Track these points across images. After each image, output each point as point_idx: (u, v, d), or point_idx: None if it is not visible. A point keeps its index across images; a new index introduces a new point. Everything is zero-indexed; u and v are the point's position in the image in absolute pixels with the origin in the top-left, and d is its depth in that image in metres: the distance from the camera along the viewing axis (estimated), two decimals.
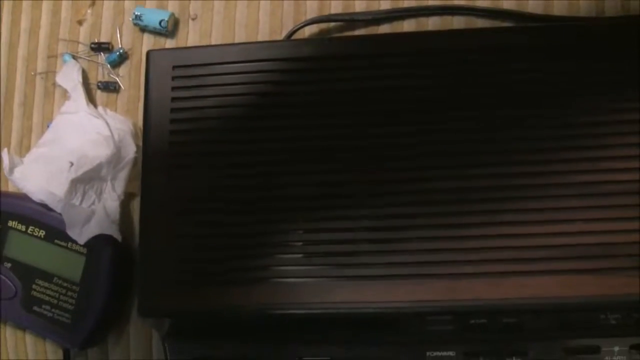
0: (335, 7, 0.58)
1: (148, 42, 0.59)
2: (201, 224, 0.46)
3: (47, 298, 0.54)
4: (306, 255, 0.44)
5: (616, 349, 0.44)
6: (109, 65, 0.59)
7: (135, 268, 0.55)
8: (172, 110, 0.48)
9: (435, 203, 0.44)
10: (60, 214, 0.53)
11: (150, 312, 0.45)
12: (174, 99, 0.48)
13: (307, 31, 0.58)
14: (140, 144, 0.51)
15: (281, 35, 0.58)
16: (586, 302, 0.42)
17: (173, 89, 0.48)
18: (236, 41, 0.58)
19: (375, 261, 0.43)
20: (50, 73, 0.60)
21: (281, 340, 0.47)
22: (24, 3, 0.62)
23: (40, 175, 0.55)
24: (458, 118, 0.45)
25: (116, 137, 0.54)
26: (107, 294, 0.53)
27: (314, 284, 0.43)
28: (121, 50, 0.59)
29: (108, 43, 0.59)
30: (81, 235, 0.52)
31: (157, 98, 0.48)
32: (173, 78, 0.48)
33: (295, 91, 0.47)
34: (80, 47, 0.60)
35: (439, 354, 0.46)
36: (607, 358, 0.44)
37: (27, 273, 0.54)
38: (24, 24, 0.61)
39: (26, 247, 0.54)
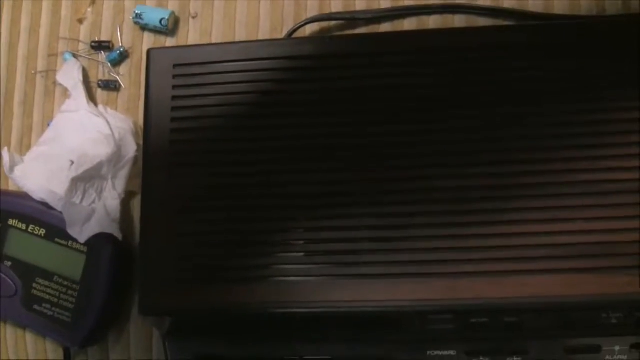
0: (336, 6, 0.58)
1: (148, 40, 0.59)
2: (202, 222, 0.46)
3: (47, 297, 0.54)
4: (307, 254, 0.44)
5: (617, 348, 0.44)
6: (109, 64, 0.59)
7: (136, 266, 0.55)
8: (173, 108, 0.48)
9: (436, 202, 0.44)
10: (60, 212, 0.53)
11: (150, 310, 0.45)
12: (174, 98, 0.48)
13: (308, 30, 0.58)
14: (141, 142, 0.51)
15: (282, 34, 0.58)
16: (587, 301, 0.41)
17: (173, 87, 0.48)
18: (237, 40, 0.58)
19: (376, 260, 0.43)
20: (50, 72, 0.60)
21: (282, 338, 0.47)
22: (24, 2, 0.62)
23: (41, 174, 0.55)
24: (459, 116, 0.45)
25: (117, 135, 0.54)
26: (108, 292, 0.53)
27: (315, 283, 0.43)
28: (122, 49, 0.59)
29: (108, 42, 0.59)
30: (82, 233, 0.52)
31: (157, 96, 0.48)
32: (173, 76, 0.48)
33: (296, 90, 0.47)
34: (81, 46, 0.60)
35: (439, 352, 0.46)
36: (608, 357, 0.45)
37: (27, 272, 0.54)
38: (24, 22, 0.61)
39: (26, 245, 0.54)
